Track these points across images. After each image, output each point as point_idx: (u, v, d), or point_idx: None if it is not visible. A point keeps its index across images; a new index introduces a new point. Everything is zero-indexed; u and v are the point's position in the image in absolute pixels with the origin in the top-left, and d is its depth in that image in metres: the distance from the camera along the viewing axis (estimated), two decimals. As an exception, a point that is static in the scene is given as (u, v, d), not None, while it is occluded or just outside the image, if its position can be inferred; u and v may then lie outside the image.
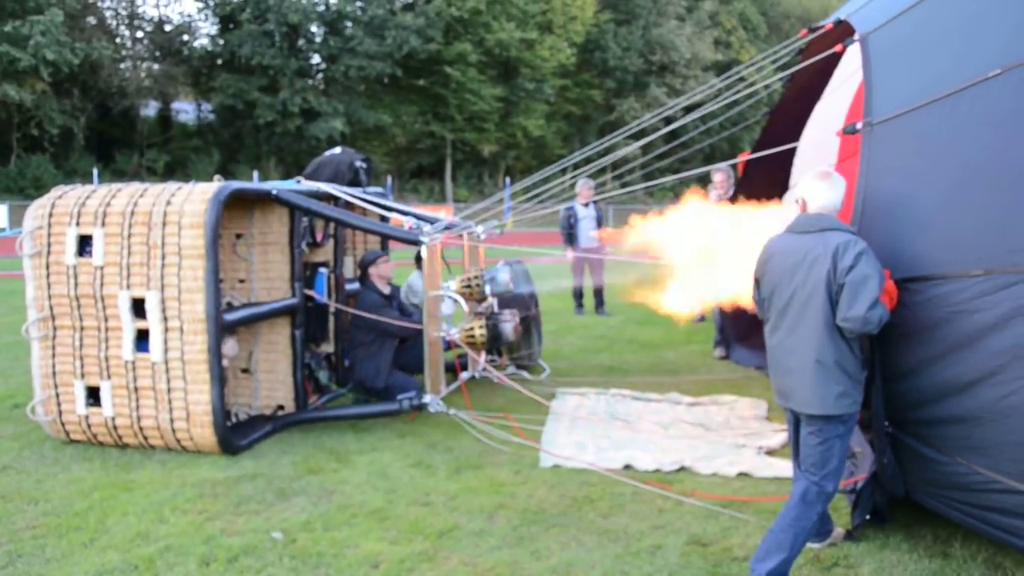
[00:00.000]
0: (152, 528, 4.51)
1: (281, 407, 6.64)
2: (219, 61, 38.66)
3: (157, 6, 41.46)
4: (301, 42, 38.26)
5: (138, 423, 5.70)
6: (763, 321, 4.06)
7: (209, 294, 5.50)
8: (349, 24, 37.81)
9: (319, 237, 7.09)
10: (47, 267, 5.80)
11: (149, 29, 39.23)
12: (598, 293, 12.22)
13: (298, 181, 7.02)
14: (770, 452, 5.67)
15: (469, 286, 6.90)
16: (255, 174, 32.58)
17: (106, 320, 5.72)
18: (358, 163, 7.54)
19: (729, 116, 6.88)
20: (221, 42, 38.32)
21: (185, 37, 38.97)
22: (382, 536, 4.40)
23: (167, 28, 39.06)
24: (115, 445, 5.84)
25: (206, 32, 39.86)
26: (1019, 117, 3.71)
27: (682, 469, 5.35)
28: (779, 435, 5.91)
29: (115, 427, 5.76)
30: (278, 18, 35.67)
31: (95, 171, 29.28)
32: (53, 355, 5.86)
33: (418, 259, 7.25)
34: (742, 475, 5.23)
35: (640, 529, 4.45)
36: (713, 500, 4.76)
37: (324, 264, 7.07)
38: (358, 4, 37.32)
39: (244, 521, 4.60)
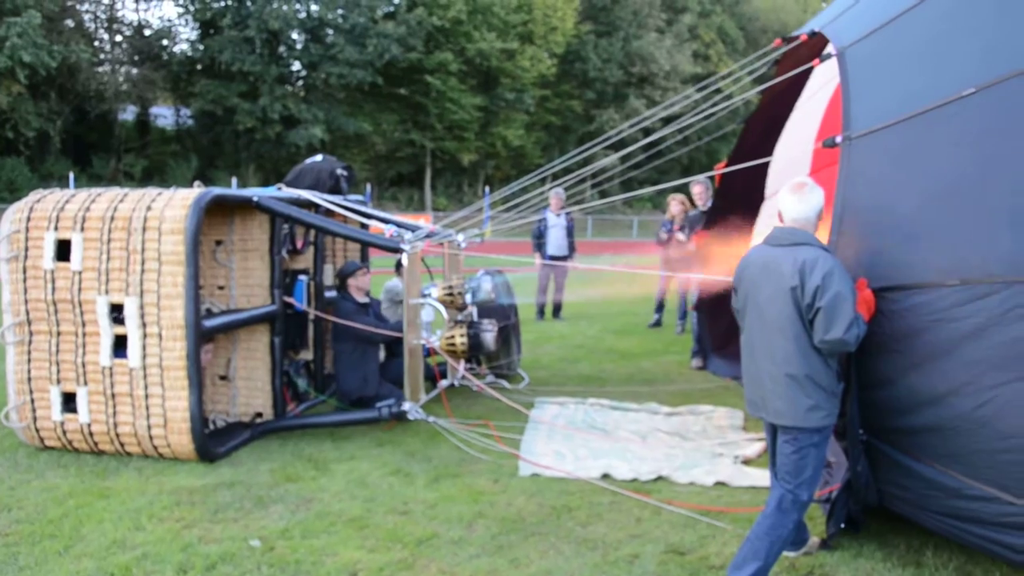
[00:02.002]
0: (128, 536, 4.47)
1: (259, 414, 6.61)
2: (199, 66, 38.38)
3: (137, 10, 41.05)
4: (282, 49, 38.11)
5: (115, 430, 5.66)
6: (740, 330, 4.10)
7: (188, 300, 5.47)
8: (330, 32, 37.69)
9: (299, 244, 7.08)
10: (24, 271, 5.75)
11: (128, 33, 38.82)
12: (557, 301, 12.34)
13: (279, 188, 7.01)
14: (746, 462, 5.71)
15: (451, 294, 6.92)
16: (234, 180, 32.37)
17: (84, 325, 5.68)
18: (339, 171, 7.54)
19: (706, 127, 6.93)
20: (201, 47, 38.03)
21: (165, 42, 38.65)
22: (361, 544, 4.39)
23: (147, 32, 38.70)
24: (91, 452, 5.79)
25: (186, 37, 39.61)
26: (992, 135, 3.79)
27: (660, 478, 5.38)
28: (755, 445, 5.96)
29: (91, 434, 5.71)
30: (259, 24, 35.48)
31: (71, 175, 28.98)
32: (29, 360, 5.80)
33: (399, 266, 7.25)
34: (719, 484, 5.26)
35: (618, 538, 4.47)
36: (690, 509, 4.79)
37: (304, 271, 7.05)
38: (339, 12, 37.16)
39: (222, 529, 4.57)
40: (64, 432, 5.78)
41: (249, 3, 35.73)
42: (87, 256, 5.64)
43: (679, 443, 6.15)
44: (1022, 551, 3.60)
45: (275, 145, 37.22)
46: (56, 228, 5.70)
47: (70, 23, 35.54)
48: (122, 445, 5.70)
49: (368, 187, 34.14)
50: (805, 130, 6.77)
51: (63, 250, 5.72)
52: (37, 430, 5.83)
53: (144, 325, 5.55)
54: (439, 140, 41.39)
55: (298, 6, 37.36)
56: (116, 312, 5.62)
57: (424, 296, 6.88)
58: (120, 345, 5.64)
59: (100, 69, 36.93)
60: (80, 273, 5.65)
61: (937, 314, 3.73)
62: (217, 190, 5.88)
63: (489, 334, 6.85)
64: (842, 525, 4.31)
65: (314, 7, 37.36)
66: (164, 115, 41.87)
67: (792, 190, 3.87)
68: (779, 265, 3.70)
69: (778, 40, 6.36)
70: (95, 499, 4.99)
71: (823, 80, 6.19)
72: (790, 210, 3.83)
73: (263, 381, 6.60)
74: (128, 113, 39.92)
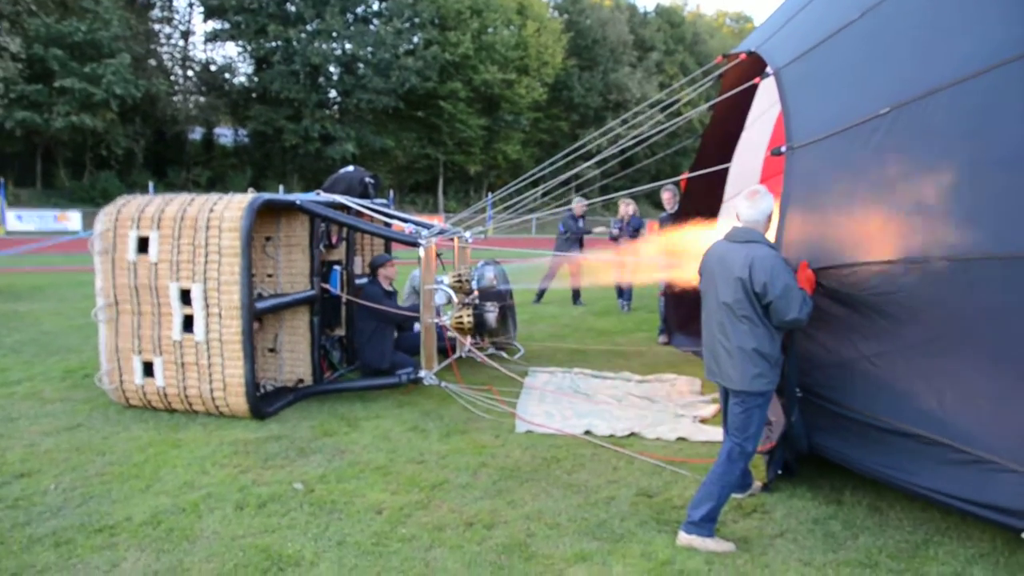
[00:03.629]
0: (196, 478, 4.45)
1: (301, 380, 6.56)
2: (254, 95, 38.24)
3: (204, 50, 40.90)
4: (321, 80, 37.89)
5: (184, 392, 5.62)
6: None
7: (243, 286, 5.42)
8: (361, 65, 37.47)
9: (334, 240, 7.01)
10: (112, 262, 5.71)
11: (198, 69, 38.84)
12: (576, 288, 12.15)
13: (317, 193, 6.93)
14: (703, 420, 5.67)
15: (460, 281, 6.86)
16: (281, 187, 32.31)
17: (159, 306, 5.63)
18: (367, 179, 7.46)
19: (662, 141, 6.87)
20: (256, 79, 37.90)
21: (227, 75, 38.53)
22: (385, 488, 4.36)
23: (212, 68, 38.69)
24: (165, 410, 5.76)
25: (244, 71, 39.43)
26: (902, 146, 3.78)
27: (632, 434, 5.34)
28: (710, 406, 5.92)
29: (165, 395, 5.68)
30: (303, 60, 35.35)
31: (151, 184, 28.95)
32: (116, 335, 5.76)
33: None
34: (680, 439, 5.23)
35: (598, 483, 4.44)
36: (657, 459, 4.76)
37: (338, 262, 6.99)
38: (369, 49, 36.97)
39: (271, 474, 4.54)
40: (144, 393, 5.74)
41: (295, 43, 35.54)
42: (162, 250, 5.59)
43: (648, 405, 6.12)
44: (924, 486, 3.61)
45: (315, 158, 37.10)
46: (138, 227, 5.65)
47: (152, 62, 35.56)
48: (190, 405, 5.66)
49: (391, 192, 34.06)
50: (758, 142, 6.67)
51: (143, 245, 5.67)
52: (123, 391, 5.80)
53: (207, 306, 5.50)
54: (450, 154, 41.26)
55: (335, 45, 37.19)
56: (185, 296, 5.58)
57: (438, 283, 6.83)
58: (188, 323, 5.60)
59: (175, 98, 36.86)
60: (156, 264, 5.61)
61: (866, 289, 3.73)
62: (266, 195, 5.80)
63: (491, 314, 6.82)
64: (779, 471, 4.29)
65: (348, 45, 37.20)
66: (225, 135, 41.72)
67: (747, 196, 3.83)
68: (733, 258, 3.66)
69: (719, 57, 6.24)
70: (169, 448, 4.97)
71: (769, 101, 6.07)
72: (744, 213, 3.80)
73: (304, 353, 6.55)
74: (196, 133, 39.82)
